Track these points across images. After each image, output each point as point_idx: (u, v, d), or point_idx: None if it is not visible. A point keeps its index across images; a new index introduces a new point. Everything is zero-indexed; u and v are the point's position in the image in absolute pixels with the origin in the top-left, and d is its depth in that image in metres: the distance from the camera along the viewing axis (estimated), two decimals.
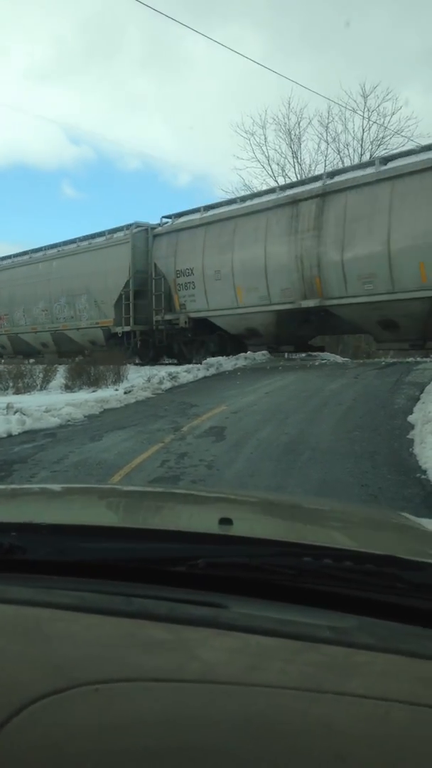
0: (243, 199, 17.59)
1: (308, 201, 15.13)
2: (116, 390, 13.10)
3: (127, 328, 19.67)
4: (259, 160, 35.15)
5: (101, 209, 68.76)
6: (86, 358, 17.11)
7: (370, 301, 14.00)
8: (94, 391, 13.76)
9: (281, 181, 25.98)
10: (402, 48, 43.24)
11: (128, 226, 19.92)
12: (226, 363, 15.72)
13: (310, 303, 15.17)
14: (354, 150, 28.79)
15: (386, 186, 13.50)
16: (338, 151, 29.43)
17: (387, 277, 13.49)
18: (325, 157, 29.77)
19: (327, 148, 31.51)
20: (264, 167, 36.62)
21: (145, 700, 0.61)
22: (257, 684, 0.64)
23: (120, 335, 19.88)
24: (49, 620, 0.77)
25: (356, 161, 24.97)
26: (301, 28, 44.71)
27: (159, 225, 19.60)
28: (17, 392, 14.57)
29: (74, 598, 0.81)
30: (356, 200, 14.10)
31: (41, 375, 15.49)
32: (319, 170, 25.78)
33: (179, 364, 17.74)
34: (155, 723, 0.58)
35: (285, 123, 32.26)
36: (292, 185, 16.87)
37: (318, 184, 15.29)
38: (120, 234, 20.10)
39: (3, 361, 21.04)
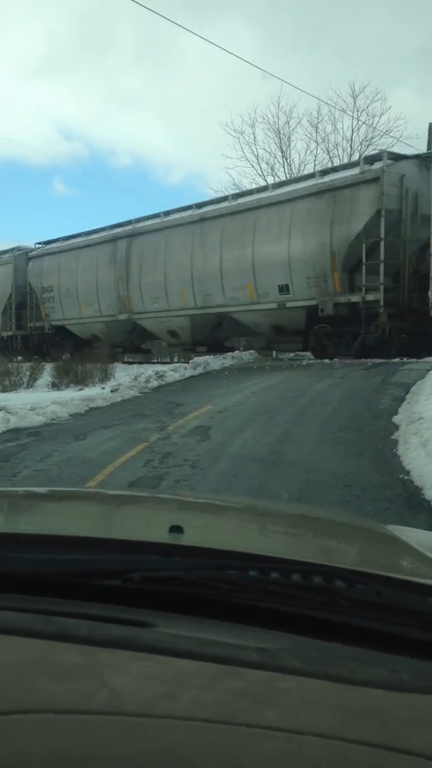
0: (87, 233, 22.47)
1: (122, 239, 20.51)
2: (103, 389, 13.00)
3: (10, 333, 24.50)
4: (248, 159, 35.13)
5: (93, 206, 68.47)
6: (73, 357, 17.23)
7: (157, 316, 19.54)
8: (80, 390, 13.66)
9: (270, 180, 25.97)
10: (395, 48, 43.37)
11: (12, 250, 24.94)
12: (214, 362, 15.68)
13: (123, 316, 20.73)
14: (344, 150, 28.85)
15: (165, 233, 19.01)
16: (327, 151, 29.48)
17: (165, 299, 19.07)
18: (315, 157, 29.85)
19: (317, 148, 31.48)
20: (253, 166, 36.59)
21: (40, 735, 0.56)
22: (166, 715, 0.59)
23: (6, 338, 24.59)
24: None
25: (346, 161, 24.99)
26: (294, 25, 44.73)
27: (34, 249, 24.58)
28: (3, 390, 14.44)
29: None
30: (149, 242, 19.53)
31: (28, 373, 15.37)
32: (309, 170, 25.87)
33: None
34: (48, 761, 0.53)
35: (275, 122, 32.29)
36: (116, 226, 21.43)
37: (129, 227, 20.56)
38: (7, 255, 25.06)
39: None
